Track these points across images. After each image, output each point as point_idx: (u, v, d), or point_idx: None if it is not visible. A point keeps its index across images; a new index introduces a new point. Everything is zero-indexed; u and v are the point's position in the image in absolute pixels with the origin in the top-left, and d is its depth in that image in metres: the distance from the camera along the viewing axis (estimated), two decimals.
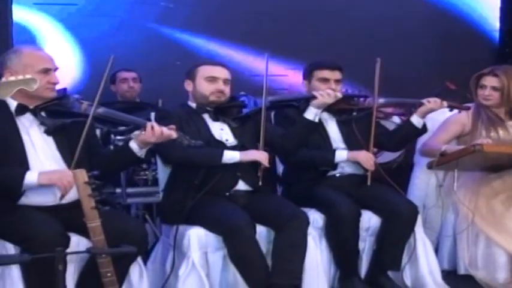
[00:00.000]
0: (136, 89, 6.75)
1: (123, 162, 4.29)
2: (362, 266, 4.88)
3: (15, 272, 3.78)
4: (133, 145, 4.09)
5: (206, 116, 4.65)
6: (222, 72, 4.66)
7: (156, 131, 4.01)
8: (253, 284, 4.26)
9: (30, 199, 3.93)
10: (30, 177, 3.82)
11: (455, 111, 5.25)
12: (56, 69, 4.08)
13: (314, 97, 4.79)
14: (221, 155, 4.45)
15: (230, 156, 4.47)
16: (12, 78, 3.57)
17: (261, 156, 4.49)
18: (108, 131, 4.68)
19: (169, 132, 4.04)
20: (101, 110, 4.07)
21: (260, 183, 4.55)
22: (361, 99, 5.08)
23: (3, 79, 3.64)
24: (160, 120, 4.28)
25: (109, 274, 3.54)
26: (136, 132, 4.14)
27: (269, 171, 4.73)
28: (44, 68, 4.01)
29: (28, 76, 3.60)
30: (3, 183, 3.84)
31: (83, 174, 3.53)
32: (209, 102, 4.63)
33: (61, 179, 3.78)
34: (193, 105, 4.70)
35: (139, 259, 4.10)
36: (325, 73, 5.07)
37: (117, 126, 4.43)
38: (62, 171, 3.90)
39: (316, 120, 4.78)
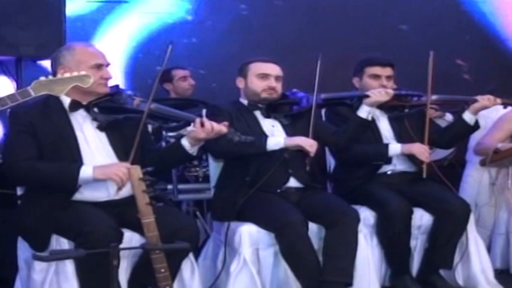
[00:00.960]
0: (193, 86, 6.78)
1: (175, 159, 4.32)
2: (413, 264, 4.85)
3: (69, 267, 3.82)
4: (185, 142, 4.10)
5: (258, 113, 4.66)
6: (273, 69, 4.66)
7: (207, 126, 4.02)
8: (304, 281, 4.26)
9: (84, 195, 3.98)
10: (86, 172, 3.85)
11: (510, 108, 5.18)
12: (108, 64, 4.12)
13: (367, 95, 4.77)
14: (265, 142, 4.43)
15: (275, 142, 4.45)
16: (67, 74, 3.63)
17: (305, 141, 4.42)
18: (159, 127, 4.70)
19: (220, 127, 4.04)
20: (152, 105, 4.08)
21: (308, 168, 4.51)
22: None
23: (58, 76, 3.69)
24: (212, 117, 4.29)
25: (162, 270, 3.56)
26: (189, 129, 4.15)
27: (318, 169, 4.72)
28: (96, 63, 4.04)
29: (83, 73, 3.66)
30: (58, 178, 3.88)
31: (137, 171, 3.56)
32: (261, 99, 4.64)
33: (116, 173, 3.80)
34: (244, 102, 4.71)
35: (191, 255, 4.12)
36: (377, 69, 5.05)
37: (168, 122, 4.45)
38: (117, 164, 3.92)
39: (369, 118, 4.75)
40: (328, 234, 4.34)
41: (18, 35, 5.54)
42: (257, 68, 4.65)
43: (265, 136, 4.48)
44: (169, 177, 5.52)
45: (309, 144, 4.41)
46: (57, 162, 3.93)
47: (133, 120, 4.01)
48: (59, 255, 3.40)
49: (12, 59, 5.83)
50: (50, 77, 3.65)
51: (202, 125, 4.02)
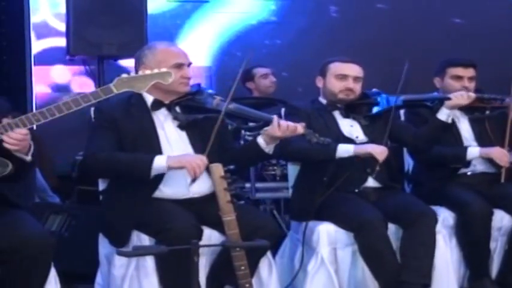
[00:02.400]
0: (276, 84, 6.79)
1: (252, 158, 4.33)
2: (493, 267, 4.77)
3: (149, 263, 3.86)
4: (260, 141, 4.11)
5: (336, 113, 4.64)
6: (352, 70, 4.62)
7: (282, 125, 4.01)
8: (383, 281, 4.24)
9: (164, 192, 4.03)
10: (159, 161, 3.88)
11: None
12: (189, 64, 4.16)
13: (448, 98, 4.71)
14: (335, 148, 4.38)
15: (344, 150, 4.41)
16: (148, 71, 3.68)
17: (375, 149, 4.37)
18: (237, 128, 4.73)
19: (295, 126, 4.02)
20: (232, 106, 4.10)
21: (374, 175, 4.48)
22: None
23: (140, 73, 3.75)
24: (289, 116, 4.30)
25: (243, 267, 3.59)
26: (266, 129, 4.17)
27: (397, 169, 4.69)
28: (177, 63, 4.08)
29: (163, 70, 3.71)
30: (133, 166, 3.92)
31: (219, 169, 3.60)
32: (338, 100, 4.62)
33: (190, 162, 3.83)
34: (323, 101, 4.69)
35: (269, 254, 4.13)
36: (459, 70, 4.99)
37: (247, 123, 4.47)
38: (193, 154, 3.97)
39: (449, 121, 4.68)
40: (405, 235, 4.31)
41: (101, 35, 5.64)
42: (336, 68, 4.63)
43: (336, 143, 4.45)
44: (248, 176, 5.56)
45: (379, 151, 4.36)
46: (133, 153, 3.99)
47: (212, 119, 4.03)
48: (142, 251, 3.45)
49: (95, 58, 5.95)
50: (132, 73, 3.72)
51: (278, 124, 4.03)
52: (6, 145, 3.51)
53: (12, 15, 7.02)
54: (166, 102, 4.12)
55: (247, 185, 5.58)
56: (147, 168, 3.88)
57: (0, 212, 3.67)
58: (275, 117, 4.08)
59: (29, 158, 3.61)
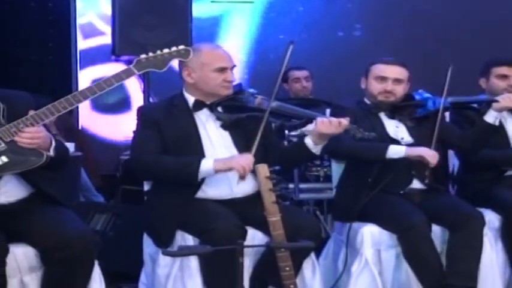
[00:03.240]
0: (309, 88, 6.80)
1: (298, 158, 4.32)
2: None
3: (193, 263, 3.87)
4: (308, 141, 4.09)
5: (382, 114, 4.60)
6: (393, 72, 4.56)
7: (325, 121, 3.99)
8: (427, 283, 4.21)
9: (207, 193, 4.04)
10: (206, 165, 3.90)
11: None
12: (232, 67, 4.16)
13: (496, 100, 4.66)
14: (386, 148, 4.37)
15: (395, 151, 4.37)
16: (166, 50, 3.73)
17: (428, 153, 4.34)
18: (281, 125, 4.73)
19: (339, 120, 4.00)
20: (274, 103, 4.10)
21: (426, 181, 4.46)
22: None
23: (158, 52, 3.80)
24: (335, 116, 4.28)
25: (287, 268, 3.59)
26: (309, 128, 4.16)
27: (441, 171, 4.66)
28: (220, 66, 4.09)
29: (181, 47, 3.77)
30: (181, 171, 3.94)
31: (264, 169, 3.60)
32: (377, 102, 4.60)
33: (239, 162, 3.85)
34: (368, 102, 4.67)
35: (312, 255, 4.12)
36: (504, 70, 4.94)
37: (290, 120, 4.47)
38: (238, 154, 3.98)
39: (497, 123, 4.61)
40: (452, 237, 4.28)
41: (146, 36, 5.67)
42: (377, 70, 4.59)
43: (387, 143, 4.42)
44: (291, 176, 5.56)
45: (431, 155, 4.34)
46: (180, 157, 4.00)
47: (255, 118, 4.04)
48: (187, 251, 3.47)
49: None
50: (150, 54, 3.78)
51: (322, 121, 4.02)
52: (21, 145, 3.57)
53: (58, 17, 7.10)
54: (208, 102, 4.14)
55: (291, 185, 5.58)
56: (194, 172, 3.90)
57: (45, 210, 3.72)
58: (319, 115, 4.09)
59: (51, 153, 3.66)
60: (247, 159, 3.85)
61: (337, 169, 4.79)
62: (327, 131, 4.00)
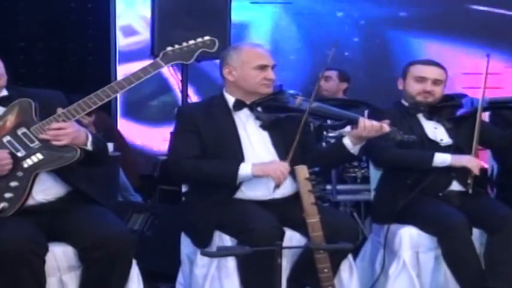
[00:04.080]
0: (327, 88, 6.77)
1: (336, 159, 4.30)
2: None
3: (231, 263, 3.87)
4: (346, 141, 4.08)
5: (420, 115, 4.57)
6: (432, 72, 4.54)
7: (367, 124, 3.99)
8: (466, 286, 4.17)
9: (245, 193, 4.05)
10: (245, 169, 3.92)
11: None
12: (273, 66, 4.16)
13: None
14: (431, 157, 4.35)
15: (441, 160, 4.35)
16: (191, 41, 3.74)
17: (472, 163, 4.33)
18: (320, 126, 4.72)
19: (380, 125, 3.99)
20: (315, 104, 4.09)
21: (470, 191, 4.41)
22: None
23: (184, 44, 3.85)
24: (373, 118, 4.27)
25: (326, 270, 3.58)
26: (347, 129, 4.15)
27: (482, 173, 4.61)
28: (260, 64, 4.10)
29: (206, 37, 3.78)
30: (219, 175, 3.96)
31: (304, 171, 3.60)
32: (416, 103, 4.57)
33: (275, 170, 3.86)
34: (406, 103, 4.64)
35: (349, 256, 4.11)
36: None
37: (329, 122, 4.46)
38: (276, 162, 3.98)
39: None
40: (491, 240, 4.23)
41: (185, 37, 5.64)
42: (416, 70, 4.57)
43: (433, 152, 4.38)
44: (329, 178, 5.55)
45: (475, 164, 4.32)
46: (218, 160, 4.01)
47: (295, 119, 4.03)
48: (226, 252, 3.48)
49: None
50: (176, 46, 3.81)
51: (364, 123, 4.01)
52: (53, 142, 3.60)
53: (98, 17, 7.15)
54: (248, 102, 4.14)
55: (328, 187, 5.57)
56: (233, 176, 3.93)
57: (83, 209, 3.74)
58: (361, 117, 4.08)
59: (89, 147, 3.69)
60: (284, 168, 3.86)
61: (375, 171, 4.77)
62: (367, 134, 4.00)
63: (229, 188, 4.01)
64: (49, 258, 3.54)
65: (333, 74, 6.85)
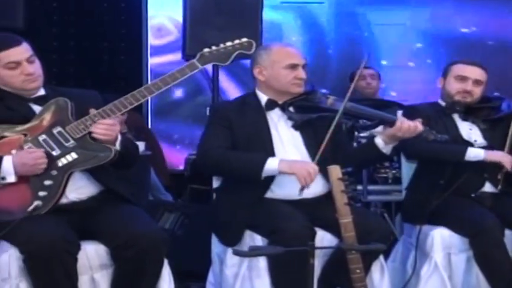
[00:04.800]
0: (375, 86, 6.74)
1: (368, 159, 4.29)
2: None
3: (262, 263, 3.87)
4: (378, 141, 4.06)
5: (455, 116, 4.54)
6: (473, 72, 4.51)
7: (404, 125, 3.97)
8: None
9: (276, 193, 4.04)
10: (272, 164, 3.89)
11: None
12: (304, 65, 4.15)
13: None
14: (465, 151, 4.32)
15: (474, 154, 4.32)
16: (229, 43, 3.74)
17: (505, 158, 4.31)
18: (352, 126, 4.71)
19: (415, 124, 3.98)
20: (347, 104, 4.07)
21: (499, 186, 4.39)
22: None
23: (221, 45, 3.86)
24: (407, 117, 4.24)
25: (358, 271, 3.57)
26: (379, 129, 4.13)
27: None
28: (291, 63, 4.09)
29: (244, 39, 3.77)
30: (245, 166, 3.94)
31: (337, 171, 3.58)
32: (454, 102, 4.54)
33: (301, 170, 3.82)
34: (442, 103, 4.61)
35: (381, 257, 4.09)
36: None
37: (361, 122, 4.45)
38: (305, 161, 3.96)
39: None
40: None
41: (215, 36, 5.66)
42: (457, 69, 4.55)
43: (466, 146, 4.37)
44: (360, 178, 5.53)
45: (508, 160, 4.30)
46: (247, 152, 4.01)
47: (327, 119, 4.02)
48: (258, 252, 3.47)
49: None
50: (213, 47, 3.80)
51: (401, 123, 3.99)
52: (96, 135, 3.63)
53: (130, 17, 7.17)
54: (280, 102, 4.13)
55: (359, 187, 5.55)
56: (258, 169, 3.89)
57: (115, 208, 3.76)
58: (400, 117, 4.06)
59: (117, 147, 3.70)
60: (311, 169, 3.82)
61: (407, 170, 4.74)
62: (403, 135, 3.98)
63: (260, 186, 4.00)
64: (81, 256, 3.56)
65: (374, 72, 6.82)
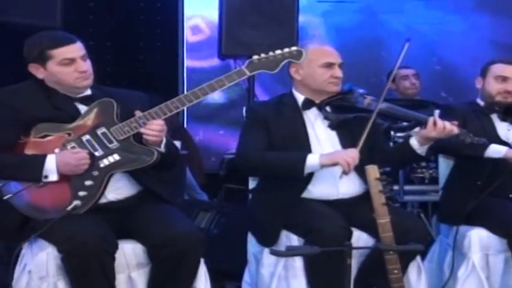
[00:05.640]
0: (418, 86, 6.69)
1: (404, 159, 4.26)
2: None
3: (298, 263, 3.87)
4: (413, 142, 4.04)
5: (494, 116, 4.50)
6: None
7: (439, 125, 3.94)
8: None
9: (313, 193, 4.03)
10: (312, 159, 3.89)
11: None
12: (340, 64, 4.13)
13: None
14: (485, 147, 4.24)
15: (495, 150, 4.27)
16: (278, 51, 3.72)
17: None
18: (388, 127, 4.69)
19: (451, 127, 3.95)
20: (383, 105, 4.06)
21: None
22: None
23: (270, 53, 3.78)
24: (444, 117, 4.21)
25: (396, 271, 3.55)
26: (416, 130, 4.11)
27: None
28: (327, 62, 4.08)
29: (294, 48, 3.75)
30: (286, 165, 3.94)
31: (375, 170, 3.57)
32: (494, 103, 4.49)
33: (342, 157, 3.82)
34: (481, 103, 4.57)
35: (418, 258, 4.06)
36: None
37: (397, 122, 4.42)
38: (344, 150, 3.95)
39: None
40: None
41: (251, 35, 5.70)
42: (497, 69, 4.49)
43: (488, 143, 4.28)
44: (396, 178, 5.50)
45: None
46: (285, 152, 4.01)
47: (363, 119, 4.01)
48: (295, 252, 3.46)
49: (245, 58, 6.01)
50: (262, 55, 3.76)
51: (434, 124, 3.96)
52: (146, 137, 3.63)
53: (166, 16, 7.20)
54: (317, 101, 4.12)
55: (396, 187, 5.52)
56: (300, 167, 3.88)
57: (153, 207, 3.78)
58: (431, 117, 4.02)
59: (162, 149, 3.71)
60: (353, 153, 3.83)
61: (444, 170, 4.71)
62: (437, 135, 3.96)
63: (297, 186, 4.00)
64: (118, 255, 3.58)
65: (415, 71, 6.75)
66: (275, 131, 4.07)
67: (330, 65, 4.08)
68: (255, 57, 3.77)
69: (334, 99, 4.13)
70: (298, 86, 4.16)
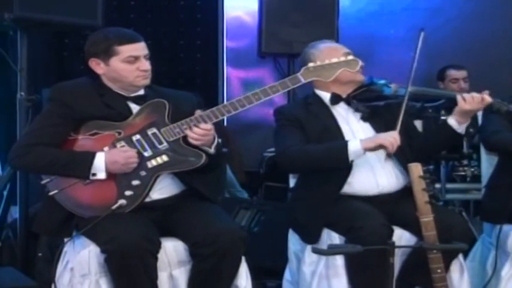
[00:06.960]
0: (466, 90, 6.56)
1: (443, 141, 4.22)
2: None
3: (339, 262, 3.85)
4: (452, 121, 4.04)
5: None
6: None
7: (467, 98, 3.93)
8: None
9: (353, 187, 4.02)
10: (354, 145, 3.87)
11: None
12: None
13: None
14: None
15: None
16: (334, 59, 3.70)
17: None
18: (422, 107, 4.65)
19: (482, 96, 3.94)
20: (411, 88, 4.04)
21: None
22: None
23: (326, 61, 3.75)
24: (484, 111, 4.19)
25: (439, 270, 3.53)
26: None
27: None
28: (347, 51, 4.07)
29: (350, 57, 3.73)
30: (329, 155, 3.93)
31: (418, 168, 3.56)
32: None
33: (386, 138, 3.82)
34: None
35: (460, 256, 4.02)
36: None
37: (429, 103, 4.40)
38: (384, 133, 3.93)
39: None
40: None
41: (292, 33, 5.71)
42: None
43: None
44: (438, 176, 5.47)
45: None
46: (324, 143, 4.00)
47: (394, 105, 4.02)
48: (337, 250, 3.45)
49: (285, 56, 6.02)
50: (319, 62, 3.74)
51: (463, 99, 3.95)
52: (190, 140, 3.64)
53: (207, 15, 7.21)
54: (344, 96, 4.13)
55: (437, 185, 5.49)
56: (344, 154, 3.87)
57: (194, 206, 3.79)
58: (459, 93, 4.01)
59: (212, 150, 3.73)
60: (394, 134, 3.83)
61: (487, 168, 4.66)
62: (470, 107, 3.94)
63: (335, 182, 3.99)
64: (160, 253, 3.59)
65: (466, 73, 6.64)
66: (308, 128, 4.07)
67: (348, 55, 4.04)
68: (311, 64, 3.75)
69: (360, 92, 4.14)
70: (319, 84, 4.15)
